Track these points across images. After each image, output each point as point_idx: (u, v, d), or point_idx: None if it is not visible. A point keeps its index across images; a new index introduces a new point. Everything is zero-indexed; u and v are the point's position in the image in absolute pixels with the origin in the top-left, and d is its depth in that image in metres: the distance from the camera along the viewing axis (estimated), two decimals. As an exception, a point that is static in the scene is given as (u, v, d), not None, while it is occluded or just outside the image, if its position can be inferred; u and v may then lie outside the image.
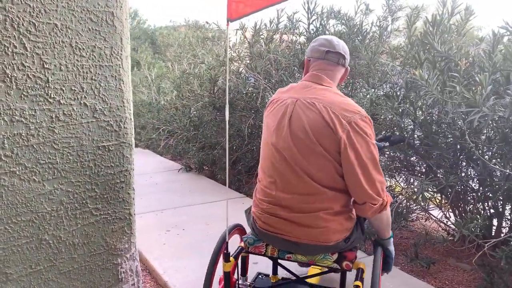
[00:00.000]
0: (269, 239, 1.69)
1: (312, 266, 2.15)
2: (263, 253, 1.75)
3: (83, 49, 1.50)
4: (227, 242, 1.70)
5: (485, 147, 2.46)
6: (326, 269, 1.81)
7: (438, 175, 2.63)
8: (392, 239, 1.77)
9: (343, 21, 4.06)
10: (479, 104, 1.77)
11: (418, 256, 2.65)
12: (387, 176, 3.30)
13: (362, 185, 1.51)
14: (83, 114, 1.54)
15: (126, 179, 1.68)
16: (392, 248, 1.77)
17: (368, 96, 2.92)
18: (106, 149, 1.61)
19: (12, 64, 1.37)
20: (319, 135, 1.51)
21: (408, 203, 3.11)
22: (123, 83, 1.60)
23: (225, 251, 1.67)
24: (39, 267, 1.52)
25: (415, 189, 2.58)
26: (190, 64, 5.55)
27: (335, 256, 1.65)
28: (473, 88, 1.99)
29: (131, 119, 1.65)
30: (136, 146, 7.57)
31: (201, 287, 1.69)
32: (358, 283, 1.61)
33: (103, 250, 1.67)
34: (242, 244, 1.79)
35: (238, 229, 1.91)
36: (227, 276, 1.71)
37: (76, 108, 1.51)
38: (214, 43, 5.03)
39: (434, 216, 3.12)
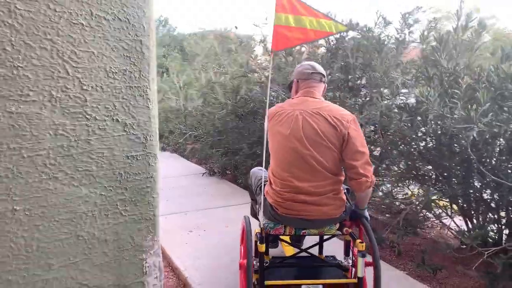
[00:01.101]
0: (289, 221, 2.16)
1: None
2: (282, 233, 2.21)
3: (116, 72, 1.74)
4: (262, 228, 2.18)
5: (493, 159, 2.57)
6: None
7: (445, 185, 2.74)
8: (366, 209, 2.30)
9: (362, 33, 4.20)
10: (474, 120, 1.90)
11: (424, 262, 2.76)
12: (400, 184, 3.43)
13: (362, 164, 2.07)
14: (115, 129, 1.78)
15: (151, 185, 1.91)
16: (367, 214, 2.30)
17: (381, 108, 3.06)
18: (134, 159, 1.84)
19: (57, 86, 1.62)
20: (327, 134, 2.07)
21: (421, 211, 3.23)
22: (149, 101, 1.84)
23: (261, 235, 2.15)
24: (76, 259, 1.77)
25: (422, 197, 2.70)
26: (215, 73, 5.82)
27: (337, 226, 2.23)
28: (473, 104, 2.12)
29: (156, 132, 1.88)
30: (164, 150, 7.90)
31: (218, 284, 1.97)
32: (360, 240, 2.14)
33: (130, 246, 1.90)
34: (258, 230, 2.23)
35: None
36: (262, 255, 2.14)
37: (109, 123, 1.76)
38: (238, 53, 5.26)
39: (445, 224, 3.22)
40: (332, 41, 4.46)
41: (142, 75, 1.82)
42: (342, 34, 4.35)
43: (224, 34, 6.97)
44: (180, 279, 2.65)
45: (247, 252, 2.09)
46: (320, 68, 2.32)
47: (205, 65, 6.93)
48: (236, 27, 4.27)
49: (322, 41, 4.55)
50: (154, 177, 1.93)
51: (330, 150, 2.08)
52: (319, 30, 1.98)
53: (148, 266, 1.99)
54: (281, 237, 2.56)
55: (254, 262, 2.17)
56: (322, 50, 4.54)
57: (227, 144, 5.16)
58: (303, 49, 4.66)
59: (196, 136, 6.29)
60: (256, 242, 2.19)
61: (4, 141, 1.59)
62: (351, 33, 4.43)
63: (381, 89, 3.17)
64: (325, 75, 2.34)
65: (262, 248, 2.14)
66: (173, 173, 5.50)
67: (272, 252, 2.69)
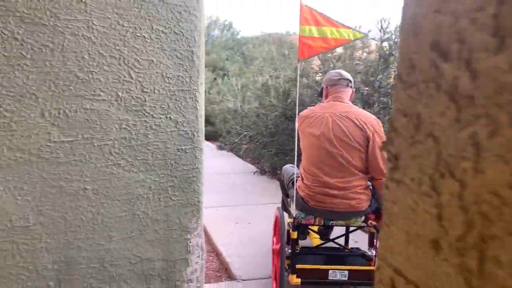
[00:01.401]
0: (319, 213, 2.44)
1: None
2: (312, 223, 2.45)
3: (171, 77, 2.04)
4: (295, 218, 2.43)
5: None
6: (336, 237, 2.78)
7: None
8: None
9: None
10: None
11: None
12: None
13: (383, 165, 2.27)
14: (169, 125, 2.08)
15: (197, 175, 2.19)
16: None
17: None
18: (184, 151, 2.14)
19: (122, 88, 1.96)
20: (354, 135, 2.32)
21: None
22: (197, 103, 2.12)
23: (294, 224, 2.44)
24: (132, 234, 2.10)
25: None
26: (271, 76, 6.08)
27: (363, 218, 2.47)
28: None
29: (202, 129, 2.16)
30: (222, 148, 8.31)
31: (256, 271, 2.27)
32: None
33: (178, 227, 2.20)
34: (290, 220, 2.47)
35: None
36: (294, 241, 2.39)
37: (164, 121, 2.07)
38: (291, 57, 5.46)
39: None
40: (385, 47, 4.54)
41: (192, 80, 2.11)
42: (396, 39, 4.42)
43: (281, 38, 7.20)
44: (223, 264, 2.93)
45: (281, 239, 2.34)
46: (346, 75, 2.54)
47: (261, 68, 7.21)
48: (288, 33, 4.46)
49: (373, 47, 4.63)
50: (199, 169, 2.22)
51: (356, 150, 2.35)
52: (339, 38, 2.21)
53: (192, 246, 2.28)
54: (310, 229, 2.78)
55: (286, 249, 2.40)
56: (374, 56, 4.62)
57: (278, 145, 5.39)
58: (356, 54, 4.77)
59: (251, 137, 6.60)
60: (288, 230, 2.42)
61: (80, 132, 1.96)
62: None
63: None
64: (352, 80, 2.58)
65: (294, 235, 2.39)
66: (227, 170, 5.84)
67: (301, 243, 2.90)
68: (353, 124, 2.34)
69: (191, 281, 2.27)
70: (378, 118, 2.96)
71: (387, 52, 4.44)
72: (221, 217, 3.82)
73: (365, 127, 2.33)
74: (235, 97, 8.59)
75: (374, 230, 2.58)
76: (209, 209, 4.00)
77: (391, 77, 4.30)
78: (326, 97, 2.55)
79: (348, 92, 2.55)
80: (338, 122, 2.34)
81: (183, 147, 2.18)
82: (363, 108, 3.83)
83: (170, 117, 2.10)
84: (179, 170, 2.18)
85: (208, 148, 8.08)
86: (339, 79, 2.53)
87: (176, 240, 2.29)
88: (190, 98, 2.15)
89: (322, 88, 2.63)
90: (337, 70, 2.62)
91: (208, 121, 8.42)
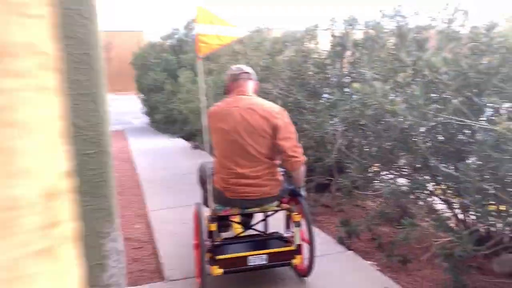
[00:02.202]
0: (236, 203, 2.50)
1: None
2: (229, 214, 2.56)
3: (68, 82, 2.02)
4: (213, 210, 2.51)
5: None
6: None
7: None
8: (303, 188, 2.66)
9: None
10: (397, 114, 1.97)
11: (393, 253, 2.81)
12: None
13: (290, 147, 2.41)
14: (70, 130, 2.06)
15: (106, 179, 2.18)
16: (303, 192, 2.65)
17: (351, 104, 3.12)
18: (89, 156, 2.12)
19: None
20: (260, 126, 2.39)
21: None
22: (99, 106, 2.11)
23: (212, 217, 2.49)
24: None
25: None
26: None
27: (276, 203, 2.59)
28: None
29: (107, 132, 2.15)
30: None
31: (190, 272, 2.47)
32: (296, 212, 2.55)
33: (90, 232, 2.19)
34: (210, 213, 2.51)
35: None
36: (213, 233, 2.45)
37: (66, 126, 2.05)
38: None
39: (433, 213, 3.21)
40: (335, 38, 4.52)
41: (92, 83, 2.09)
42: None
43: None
44: (160, 265, 2.93)
45: (200, 233, 2.35)
46: (247, 68, 2.64)
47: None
48: (248, 31, 4.47)
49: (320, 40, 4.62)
50: (107, 173, 2.20)
51: (264, 139, 2.40)
52: (229, 36, 2.30)
53: (106, 250, 2.27)
54: (231, 220, 2.83)
55: (208, 243, 2.42)
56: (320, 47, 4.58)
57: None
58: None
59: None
60: (207, 224, 2.45)
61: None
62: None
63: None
64: (253, 73, 2.65)
65: (212, 227, 2.44)
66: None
67: (225, 235, 2.95)
68: (258, 114, 2.41)
69: (110, 286, 2.26)
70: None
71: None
72: (171, 218, 3.81)
73: (269, 116, 2.41)
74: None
75: (288, 213, 2.68)
76: (161, 211, 4.00)
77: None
78: (230, 92, 2.60)
79: (250, 85, 2.60)
80: (245, 115, 2.41)
81: (87, 152, 2.17)
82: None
83: (72, 122, 2.09)
84: (86, 175, 2.17)
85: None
86: (240, 73, 2.59)
87: (89, 245, 2.28)
88: (91, 101, 2.13)
89: (226, 85, 2.66)
90: (238, 65, 2.69)
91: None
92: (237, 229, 3.06)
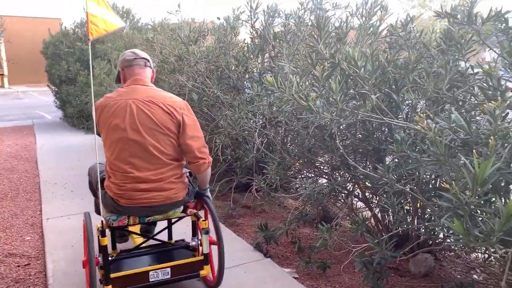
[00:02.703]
0: (132, 211, 2.13)
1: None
2: (125, 224, 2.16)
3: None
4: (102, 221, 2.12)
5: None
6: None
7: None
8: (208, 189, 2.39)
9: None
10: (313, 110, 1.78)
11: (311, 259, 2.65)
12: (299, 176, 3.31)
13: (198, 148, 2.13)
14: None
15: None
16: (209, 194, 2.38)
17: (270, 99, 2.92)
18: None
19: None
20: (163, 122, 2.06)
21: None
22: None
23: (101, 228, 2.09)
24: None
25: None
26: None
27: (181, 208, 2.25)
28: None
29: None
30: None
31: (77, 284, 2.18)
32: (203, 218, 2.26)
33: None
34: (101, 224, 2.12)
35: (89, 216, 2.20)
36: (105, 248, 2.05)
37: None
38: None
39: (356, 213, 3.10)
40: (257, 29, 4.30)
41: None
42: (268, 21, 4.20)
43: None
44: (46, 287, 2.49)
45: (88, 248, 1.98)
46: (142, 53, 2.28)
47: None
48: (218, 18, 4.06)
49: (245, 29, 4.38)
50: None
51: (168, 137, 2.09)
52: (114, 23, 2.04)
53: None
54: (130, 229, 2.50)
55: (100, 258, 2.07)
56: (241, 38, 4.33)
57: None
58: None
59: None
60: (98, 237, 2.07)
61: None
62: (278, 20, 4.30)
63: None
64: (149, 59, 2.30)
65: (104, 241, 2.07)
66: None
67: (123, 246, 2.64)
68: (160, 109, 2.08)
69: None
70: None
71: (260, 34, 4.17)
72: (70, 227, 3.34)
73: (173, 111, 2.09)
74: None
75: (195, 219, 2.35)
76: (59, 219, 3.50)
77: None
78: (125, 81, 2.22)
79: (148, 73, 2.24)
80: (144, 108, 2.06)
81: None
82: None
83: None
84: None
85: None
86: (135, 58, 2.21)
87: None
88: None
89: (119, 72, 2.29)
90: (132, 50, 2.29)
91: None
92: (136, 239, 2.71)
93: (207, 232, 2.22)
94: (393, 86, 2.27)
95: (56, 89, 10.38)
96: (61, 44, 10.12)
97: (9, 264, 2.74)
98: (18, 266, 2.72)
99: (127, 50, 2.27)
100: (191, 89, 3.54)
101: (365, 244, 2.14)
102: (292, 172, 3.39)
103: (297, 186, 3.33)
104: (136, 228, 2.70)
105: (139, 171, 2.07)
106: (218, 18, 4.27)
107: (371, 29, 2.95)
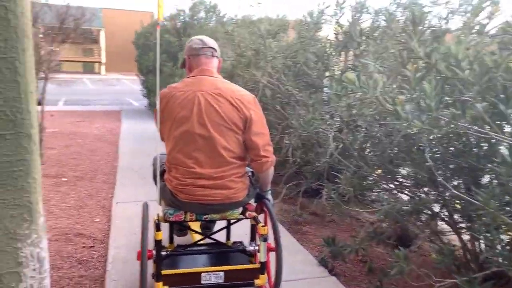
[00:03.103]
0: (190, 207, 2.02)
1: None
2: (182, 219, 2.05)
3: (-23, 41, 1.56)
4: (158, 214, 2.05)
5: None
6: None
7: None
8: (270, 191, 2.24)
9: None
10: (400, 116, 1.49)
11: (382, 285, 2.35)
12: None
13: (263, 145, 1.99)
14: (-22, 103, 1.60)
15: (25, 168, 1.72)
16: (270, 197, 2.22)
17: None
18: (3, 138, 1.66)
19: None
20: (230, 117, 1.93)
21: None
22: (19, 75, 1.64)
23: (157, 221, 2.01)
24: None
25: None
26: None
27: (240, 210, 2.09)
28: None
29: (29, 110, 1.68)
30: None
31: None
32: (262, 223, 2.10)
33: (2, 233, 1.74)
34: (157, 217, 2.05)
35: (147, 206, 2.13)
36: (159, 243, 1.97)
37: (-29, 97, 1.59)
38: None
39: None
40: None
41: (9, 44, 1.63)
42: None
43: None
44: (104, 272, 2.49)
45: (142, 241, 1.91)
46: (211, 42, 2.12)
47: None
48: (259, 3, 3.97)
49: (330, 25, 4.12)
50: (28, 160, 1.75)
51: (234, 133, 1.96)
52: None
53: (24, 256, 1.83)
54: (190, 224, 2.38)
55: (154, 252, 2.00)
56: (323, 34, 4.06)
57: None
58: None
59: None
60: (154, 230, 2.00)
61: None
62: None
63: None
64: (217, 49, 2.14)
65: (158, 235, 1.98)
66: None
67: (180, 240, 2.52)
68: (228, 103, 1.95)
69: (24, 301, 1.82)
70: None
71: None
72: (136, 213, 3.36)
73: (242, 106, 1.96)
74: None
75: (254, 222, 2.18)
76: (128, 204, 3.56)
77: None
78: (190, 70, 2.10)
79: (214, 63, 2.11)
80: (211, 101, 1.94)
81: (1, 133, 1.71)
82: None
83: (-21, 93, 1.62)
84: (-1, 162, 1.71)
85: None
86: (202, 47, 2.07)
87: (1, 249, 1.84)
88: (7, 68, 1.66)
89: (184, 60, 2.16)
90: (199, 37, 2.14)
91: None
92: (194, 235, 2.62)
93: (265, 239, 2.04)
94: (502, 95, 1.89)
95: (143, 78, 10.93)
96: (151, 35, 10.61)
97: (76, 243, 2.81)
98: (84, 247, 2.77)
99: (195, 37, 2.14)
100: (265, 85, 3.38)
101: (452, 280, 1.80)
102: (368, 183, 3.08)
103: (374, 198, 3.01)
104: (196, 224, 2.61)
105: (201, 167, 1.96)
106: (259, 3, 3.99)
107: (477, 28, 2.55)
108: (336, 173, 2.75)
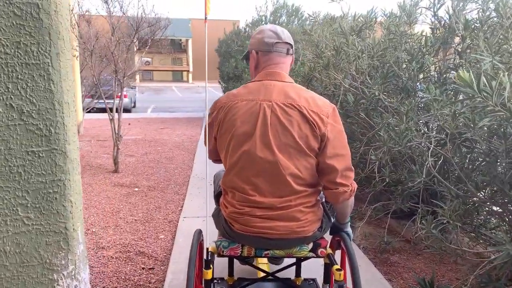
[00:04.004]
0: (247, 240, 1.65)
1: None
2: (239, 254, 1.72)
3: (7, 45, 1.37)
4: (207, 248, 1.68)
5: None
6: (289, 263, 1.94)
7: None
8: (349, 223, 1.83)
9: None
10: None
11: None
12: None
13: (341, 170, 1.54)
14: (10, 116, 1.42)
15: (60, 190, 1.51)
16: (350, 230, 1.82)
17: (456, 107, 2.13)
18: (36, 155, 1.46)
19: None
20: (304, 137, 1.52)
21: None
22: (53, 84, 1.43)
23: (205, 258, 1.65)
24: (-34, 269, 1.49)
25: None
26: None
27: (310, 246, 1.70)
28: None
29: (64, 123, 1.46)
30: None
31: None
32: (338, 266, 1.66)
33: (37, 262, 1.55)
34: (211, 249, 1.70)
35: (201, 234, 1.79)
36: (208, 284, 1.63)
37: (2, 110, 1.41)
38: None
39: None
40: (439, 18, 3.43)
41: (42, 48, 1.42)
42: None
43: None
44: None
45: (188, 277, 1.56)
46: (286, 35, 1.66)
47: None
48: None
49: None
50: (63, 181, 1.53)
51: (305, 156, 1.54)
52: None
53: (60, 290, 1.61)
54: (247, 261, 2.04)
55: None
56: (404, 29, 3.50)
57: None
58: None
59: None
60: (207, 262, 1.66)
61: None
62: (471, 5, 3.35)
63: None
64: (293, 44, 1.69)
65: (207, 275, 1.62)
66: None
67: (243, 270, 2.19)
68: (302, 118, 1.51)
69: None
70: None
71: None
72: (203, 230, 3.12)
73: (318, 121, 1.52)
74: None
75: (328, 261, 1.75)
76: (196, 220, 3.32)
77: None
78: (257, 68, 1.66)
79: (288, 63, 1.67)
80: (280, 116, 1.52)
81: (35, 149, 1.50)
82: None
83: (10, 103, 1.42)
84: (32, 182, 1.50)
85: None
86: (277, 42, 1.62)
87: (35, 280, 1.62)
88: (41, 76, 1.46)
89: (248, 53, 1.71)
90: (272, 27, 1.65)
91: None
92: (262, 264, 2.25)
93: (341, 286, 1.60)
94: None
95: (225, 85, 10.98)
96: (232, 42, 10.62)
97: (136, 263, 2.61)
98: (143, 268, 2.56)
99: (266, 26, 1.67)
100: (347, 89, 2.92)
101: None
102: (476, 206, 2.47)
103: (490, 227, 2.39)
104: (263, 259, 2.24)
105: (262, 195, 1.57)
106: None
107: None
108: (433, 199, 2.22)
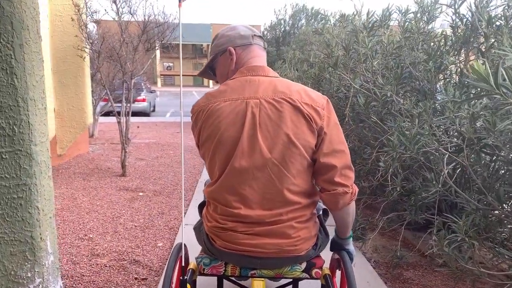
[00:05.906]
0: (230, 258, 1.47)
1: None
2: (221, 273, 1.53)
3: (-34, 36, 1.25)
4: (183, 266, 1.51)
5: None
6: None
7: None
8: (351, 238, 1.60)
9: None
10: None
11: None
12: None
13: (340, 167, 1.35)
14: (-31, 114, 1.30)
15: (25, 195, 1.38)
16: (352, 247, 1.59)
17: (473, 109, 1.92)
18: (-1, 157, 1.34)
19: None
20: (299, 134, 1.32)
21: None
22: (16, 78, 1.30)
23: (181, 277, 1.43)
24: None
25: None
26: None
27: (304, 265, 1.51)
28: None
29: (29, 122, 1.33)
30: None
31: None
32: None
33: (1, 274, 1.42)
34: (192, 266, 1.53)
35: (185, 247, 1.59)
36: None
37: (-39, 106, 1.29)
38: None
39: None
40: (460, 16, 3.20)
41: (3, 39, 1.29)
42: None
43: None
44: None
45: None
46: (255, 30, 1.54)
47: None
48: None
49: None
50: (29, 185, 1.39)
51: (301, 158, 1.33)
52: None
53: (26, 305, 1.47)
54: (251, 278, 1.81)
55: None
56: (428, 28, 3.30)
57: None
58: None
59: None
60: (182, 280, 1.47)
61: None
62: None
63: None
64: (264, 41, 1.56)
65: None
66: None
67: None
68: (294, 110, 1.31)
69: None
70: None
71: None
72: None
73: (313, 114, 1.32)
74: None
75: (324, 283, 1.51)
76: (197, 227, 3.18)
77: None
78: (236, 66, 1.45)
79: (265, 58, 1.49)
80: (271, 114, 1.31)
81: (-4, 150, 1.37)
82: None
83: (-30, 100, 1.29)
84: (-6, 186, 1.37)
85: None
86: (254, 35, 1.48)
87: (-1, 293, 1.50)
88: (2, 69, 1.32)
89: (218, 54, 1.49)
90: (242, 25, 1.50)
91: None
92: (255, 281, 2.07)
93: None
94: None
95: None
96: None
97: (129, 273, 2.47)
98: (136, 278, 2.42)
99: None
100: (357, 91, 2.72)
101: None
102: (498, 219, 2.23)
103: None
104: (259, 283, 2.05)
105: (248, 207, 1.36)
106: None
107: None
108: (452, 211, 1.99)
